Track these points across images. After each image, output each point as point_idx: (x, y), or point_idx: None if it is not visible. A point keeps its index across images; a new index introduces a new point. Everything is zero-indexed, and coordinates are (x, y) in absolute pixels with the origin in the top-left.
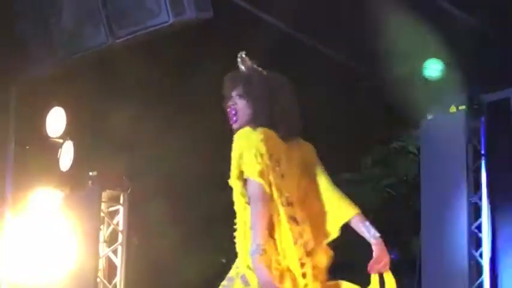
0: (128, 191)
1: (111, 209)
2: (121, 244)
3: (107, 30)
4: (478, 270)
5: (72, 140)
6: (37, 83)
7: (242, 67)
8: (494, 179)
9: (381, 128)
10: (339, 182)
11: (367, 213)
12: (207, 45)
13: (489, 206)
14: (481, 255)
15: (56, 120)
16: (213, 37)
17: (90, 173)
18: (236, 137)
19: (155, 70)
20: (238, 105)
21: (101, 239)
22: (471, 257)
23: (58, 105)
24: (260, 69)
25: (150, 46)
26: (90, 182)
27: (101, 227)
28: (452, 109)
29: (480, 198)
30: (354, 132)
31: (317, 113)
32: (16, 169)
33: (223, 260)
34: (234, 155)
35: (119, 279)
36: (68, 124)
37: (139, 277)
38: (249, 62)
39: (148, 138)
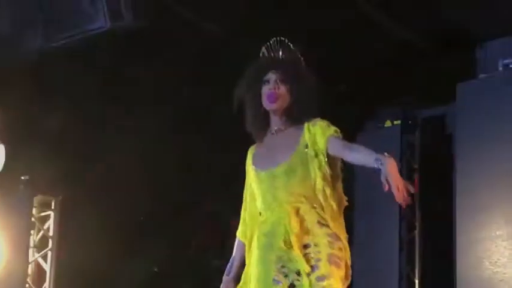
0: (60, 197)
1: (42, 214)
2: (51, 250)
3: (43, 34)
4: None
5: (3, 144)
6: None
7: (281, 52)
8: (427, 192)
9: None
10: None
11: None
12: (142, 50)
13: (421, 217)
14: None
15: None
16: (147, 42)
17: (22, 177)
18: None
19: (88, 74)
20: (281, 90)
21: (31, 244)
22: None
23: None
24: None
25: (85, 50)
26: (21, 187)
27: (31, 232)
28: (388, 123)
29: (413, 212)
30: None
31: None
32: None
33: (155, 269)
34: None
35: (48, 284)
36: None
37: (69, 283)
38: (292, 48)
39: (82, 143)
